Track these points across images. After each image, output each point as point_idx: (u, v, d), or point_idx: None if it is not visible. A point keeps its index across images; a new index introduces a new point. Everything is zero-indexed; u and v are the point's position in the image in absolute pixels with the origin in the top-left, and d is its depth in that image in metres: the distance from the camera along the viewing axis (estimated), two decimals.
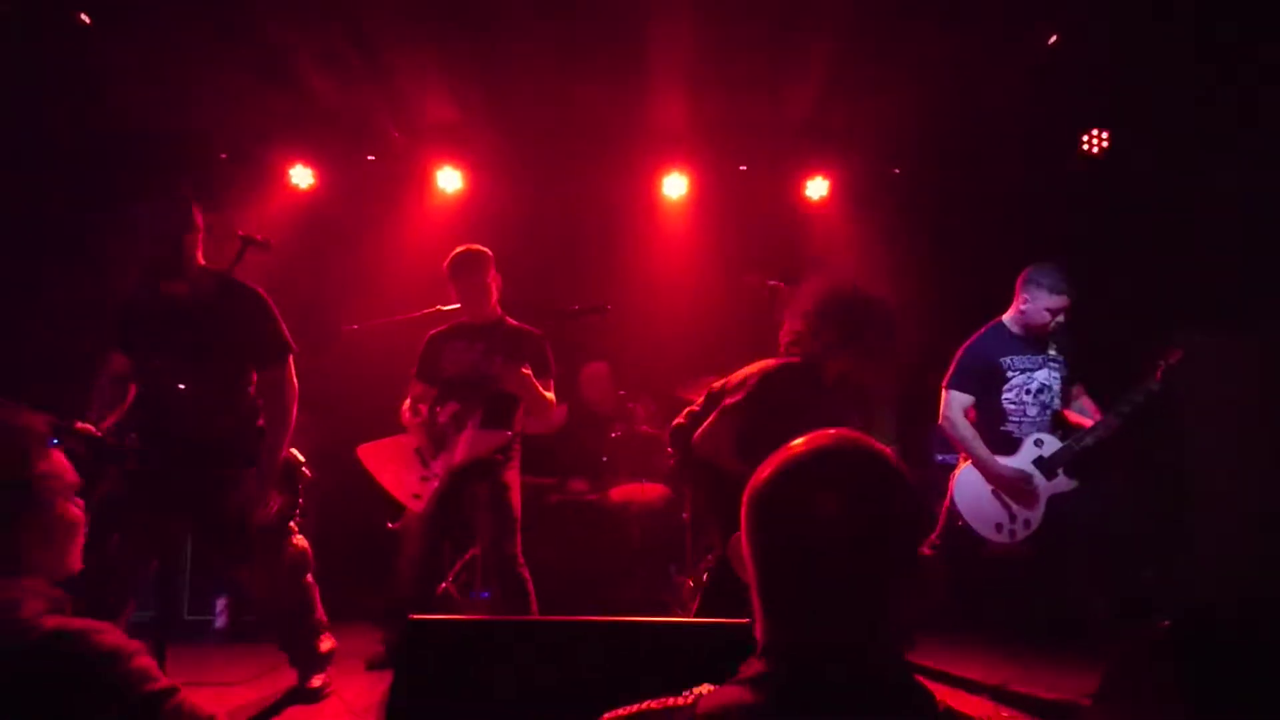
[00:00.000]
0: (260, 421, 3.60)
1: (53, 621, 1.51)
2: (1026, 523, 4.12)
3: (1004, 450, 4.21)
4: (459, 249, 4.35)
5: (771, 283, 4.73)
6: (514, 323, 4.43)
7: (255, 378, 3.65)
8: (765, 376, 3.71)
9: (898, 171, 6.71)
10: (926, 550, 4.30)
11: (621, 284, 6.16)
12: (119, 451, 3.21)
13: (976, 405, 4.27)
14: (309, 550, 3.72)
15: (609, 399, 6.18)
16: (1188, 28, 4.92)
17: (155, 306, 3.50)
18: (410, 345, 4.50)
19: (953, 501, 4.26)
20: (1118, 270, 5.61)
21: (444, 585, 4.70)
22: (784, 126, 6.34)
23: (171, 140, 6.04)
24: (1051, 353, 4.26)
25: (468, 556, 5.04)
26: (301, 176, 6.54)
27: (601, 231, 6.64)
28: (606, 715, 1.24)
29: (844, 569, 1.16)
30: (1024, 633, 4.96)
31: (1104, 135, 6.12)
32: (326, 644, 3.82)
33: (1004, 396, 4.24)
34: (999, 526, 4.15)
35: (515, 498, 4.22)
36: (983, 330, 4.36)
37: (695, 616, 3.97)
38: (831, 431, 1.25)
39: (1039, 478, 4.13)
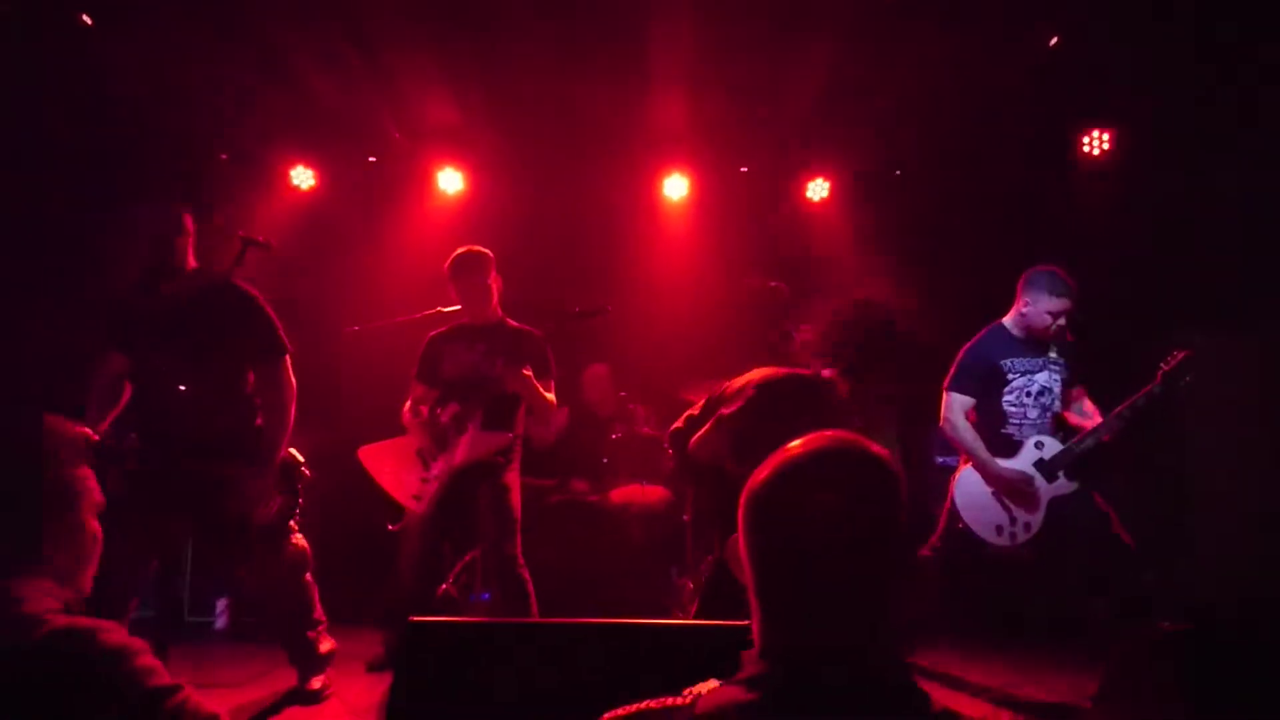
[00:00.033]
0: (259, 421, 3.60)
1: (60, 620, 1.51)
2: (1027, 525, 4.11)
3: (1004, 453, 4.20)
4: (459, 250, 4.34)
5: (772, 284, 4.73)
6: (515, 324, 4.43)
7: (252, 377, 3.65)
8: (766, 385, 3.70)
9: (898, 173, 6.71)
10: (926, 552, 4.30)
11: (622, 285, 6.16)
12: (118, 452, 3.22)
13: (977, 407, 4.26)
14: (308, 550, 3.73)
15: (610, 400, 6.17)
16: (1188, 28, 4.92)
17: (151, 307, 3.51)
18: (411, 346, 4.50)
19: (953, 504, 4.25)
20: (1118, 270, 5.61)
21: (444, 587, 4.70)
22: (784, 128, 6.34)
23: (172, 141, 6.05)
24: (1052, 355, 4.26)
25: (468, 558, 5.03)
26: (302, 177, 6.54)
27: (602, 233, 6.64)
28: (606, 715, 1.25)
29: (842, 570, 1.16)
30: (1024, 635, 4.96)
31: (1105, 136, 6.12)
32: (326, 645, 3.82)
33: (1004, 399, 4.23)
34: (999, 529, 4.15)
35: (515, 499, 4.22)
36: (983, 332, 4.36)
37: (694, 619, 3.97)
38: (828, 433, 1.25)
39: (1040, 480, 4.13)
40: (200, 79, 5.56)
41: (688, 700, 1.20)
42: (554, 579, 4.66)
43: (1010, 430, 4.23)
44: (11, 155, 5.36)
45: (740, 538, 1.25)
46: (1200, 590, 5.21)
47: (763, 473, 1.24)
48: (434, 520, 4.13)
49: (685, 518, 5.38)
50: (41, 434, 1.70)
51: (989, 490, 4.19)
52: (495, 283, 4.36)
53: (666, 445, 4.17)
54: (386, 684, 3.79)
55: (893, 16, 5.00)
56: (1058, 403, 4.27)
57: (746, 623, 1.26)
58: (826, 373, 3.72)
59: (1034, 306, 4.18)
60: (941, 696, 1.17)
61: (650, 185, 6.72)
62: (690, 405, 4.18)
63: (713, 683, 1.25)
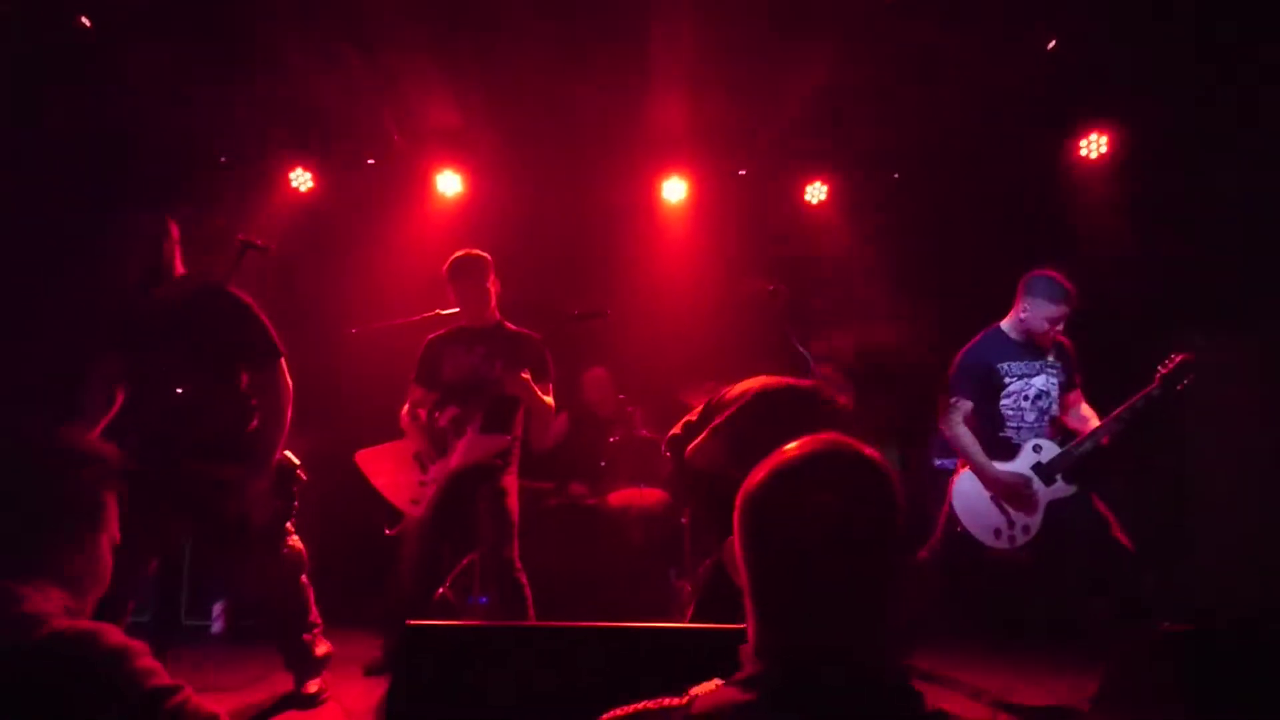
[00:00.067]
0: (255, 423, 3.61)
1: (60, 621, 1.52)
2: (1025, 528, 4.11)
3: (1002, 456, 4.20)
4: (458, 254, 4.34)
5: (771, 287, 4.72)
6: (513, 327, 4.43)
7: (247, 379, 3.66)
8: (764, 394, 3.69)
9: (896, 176, 6.70)
10: (925, 555, 4.29)
11: (621, 288, 6.16)
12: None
13: (975, 411, 4.25)
14: (304, 552, 3.73)
15: (609, 403, 6.17)
16: (1188, 28, 4.91)
17: (146, 311, 3.51)
18: (410, 349, 4.49)
19: (952, 507, 4.25)
20: (1118, 271, 5.60)
21: (442, 590, 4.69)
22: (783, 130, 6.34)
23: (170, 143, 6.04)
24: (1049, 359, 4.25)
25: (466, 561, 5.03)
26: (301, 180, 6.54)
27: (601, 235, 6.64)
28: (605, 716, 1.26)
29: (839, 570, 1.17)
30: (1023, 638, 4.95)
31: (1103, 140, 6.11)
32: (322, 648, 3.81)
33: (1002, 402, 4.22)
34: (998, 532, 4.14)
35: (513, 502, 4.21)
36: (980, 336, 4.35)
37: (690, 622, 3.96)
38: (824, 436, 1.25)
39: (1038, 483, 4.12)
40: (198, 81, 5.55)
41: (685, 700, 1.21)
42: (552, 582, 4.65)
43: (1008, 433, 4.22)
44: (11, 155, 5.36)
45: (736, 540, 1.25)
46: (1199, 593, 5.20)
47: (759, 475, 1.24)
48: (433, 524, 4.12)
49: (684, 520, 5.38)
50: (71, 449, 1.72)
51: (987, 494, 4.18)
52: (494, 286, 4.36)
53: (664, 450, 4.17)
54: (384, 688, 3.80)
55: (891, 18, 5.00)
56: (1055, 406, 4.26)
57: (744, 626, 1.26)
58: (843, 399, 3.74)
59: (1032, 312, 4.18)
60: (940, 699, 1.17)
61: (649, 188, 6.73)
62: (688, 408, 4.17)
63: (716, 683, 1.25)
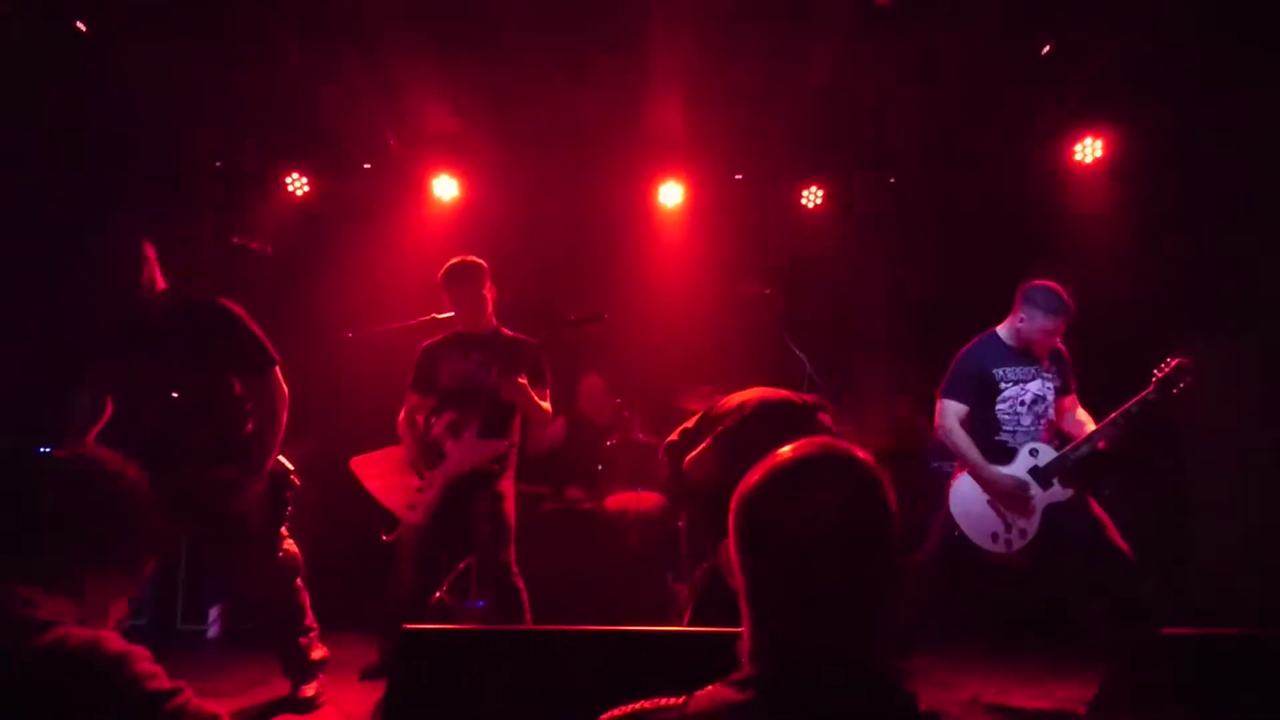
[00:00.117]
0: (250, 426, 3.61)
1: (62, 627, 1.53)
2: (1023, 532, 4.10)
3: (999, 460, 4.19)
4: (453, 260, 4.34)
5: (767, 291, 4.73)
6: (510, 333, 4.43)
7: (241, 386, 3.66)
8: (762, 406, 3.69)
9: (892, 180, 6.71)
10: (922, 558, 4.29)
11: (618, 292, 6.16)
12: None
13: (971, 415, 4.25)
14: (299, 556, 3.74)
15: (606, 411, 6.17)
16: (1187, 28, 4.92)
17: (138, 321, 3.50)
18: (406, 353, 4.49)
19: (949, 511, 4.24)
20: (1117, 272, 5.60)
21: (439, 594, 4.68)
22: (779, 135, 6.34)
23: (166, 148, 6.04)
24: (1045, 364, 4.25)
25: (462, 566, 5.02)
26: (297, 184, 6.54)
27: (598, 240, 6.65)
28: (603, 716, 1.27)
29: (837, 570, 1.17)
30: (1020, 641, 4.95)
31: (1098, 144, 6.12)
32: (318, 652, 3.81)
33: (998, 407, 4.22)
34: (995, 536, 4.13)
35: (510, 507, 4.21)
36: (975, 340, 4.34)
37: (687, 625, 3.95)
38: (817, 439, 1.26)
39: (1034, 487, 4.12)
40: (195, 85, 5.55)
41: (682, 700, 1.22)
42: (549, 585, 4.65)
43: (1004, 437, 4.22)
44: (11, 155, 5.35)
45: (731, 541, 1.25)
46: (1199, 594, 5.20)
47: (755, 476, 1.24)
48: (429, 529, 4.12)
49: (680, 524, 5.38)
50: (122, 481, 1.83)
51: (984, 497, 4.17)
52: (490, 292, 4.36)
53: (661, 457, 4.16)
54: (380, 692, 3.79)
55: (887, 23, 5.00)
56: (1051, 411, 4.26)
57: (740, 629, 1.26)
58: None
59: (1029, 322, 4.17)
60: (939, 700, 1.17)
61: (645, 192, 6.73)
62: (686, 414, 4.17)
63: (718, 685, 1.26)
